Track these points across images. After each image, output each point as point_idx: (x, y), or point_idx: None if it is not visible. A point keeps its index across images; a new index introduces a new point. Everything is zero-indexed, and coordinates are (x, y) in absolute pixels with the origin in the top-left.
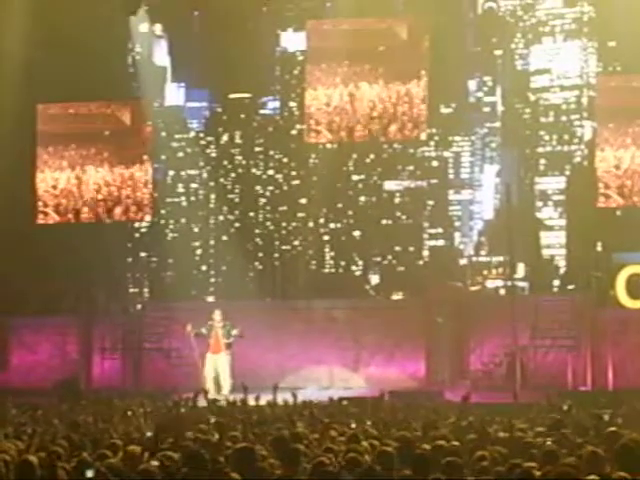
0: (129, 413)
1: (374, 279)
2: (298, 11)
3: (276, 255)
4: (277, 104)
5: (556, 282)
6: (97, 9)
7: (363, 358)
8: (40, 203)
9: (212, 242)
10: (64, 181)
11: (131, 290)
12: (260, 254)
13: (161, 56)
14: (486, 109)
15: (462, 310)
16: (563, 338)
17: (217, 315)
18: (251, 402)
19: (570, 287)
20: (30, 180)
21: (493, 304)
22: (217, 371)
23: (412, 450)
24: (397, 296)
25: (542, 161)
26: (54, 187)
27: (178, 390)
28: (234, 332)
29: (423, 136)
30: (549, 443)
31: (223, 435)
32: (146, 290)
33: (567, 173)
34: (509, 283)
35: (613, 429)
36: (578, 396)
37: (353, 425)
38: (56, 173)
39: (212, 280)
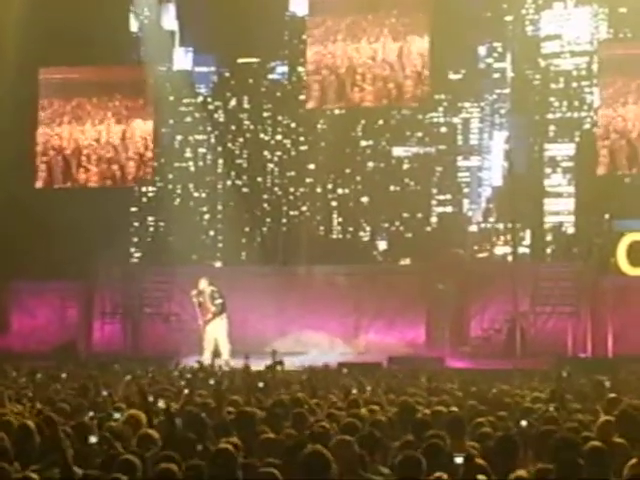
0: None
1: (382, 245)
2: None
3: (284, 221)
4: (285, 69)
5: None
6: None
7: (363, 324)
8: (40, 165)
9: (219, 207)
10: (66, 144)
11: (133, 255)
12: (268, 219)
13: (169, 20)
14: (496, 75)
15: (463, 277)
16: (563, 305)
17: (202, 283)
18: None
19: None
20: (31, 142)
21: (494, 271)
22: (216, 337)
23: (412, 415)
24: (404, 262)
25: (551, 128)
26: (53, 147)
27: (179, 355)
28: (217, 302)
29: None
30: (551, 409)
31: (223, 400)
32: (147, 254)
33: (577, 140)
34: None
35: (613, 395)
36: (578, 363)
37: (354, 391)
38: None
39: (219, 246)
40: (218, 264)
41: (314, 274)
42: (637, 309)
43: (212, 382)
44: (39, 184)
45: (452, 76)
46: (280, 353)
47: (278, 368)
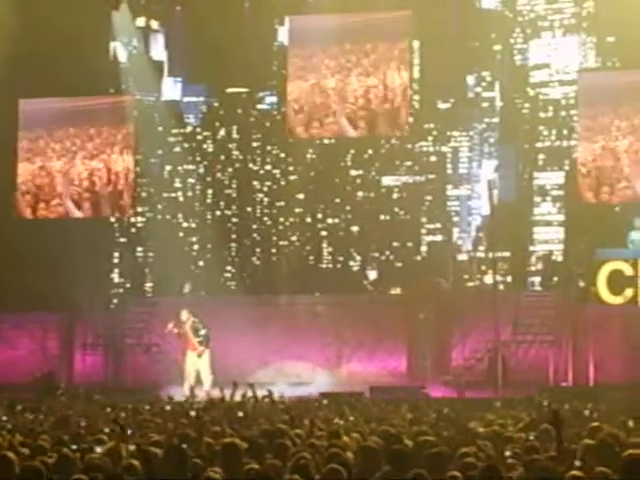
0: (108, 410)
1: (372, 274)
2: (281, 6)
3: (273, 251)
4: (274, 99)
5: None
6: (80, 4)
7: (345, 354)
8: (21, 196)
9: (208, 238)
10: (45, 174)
11: (116, 286)
12: (257, 249)
13: (157, 50)
14: (485, 104)
15: (444, 306)
16: (544, 334)
17: (184, 315)
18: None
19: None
20: (11, 174)
21: (475, 300)
22: (197, 368)
23: (394, 445)
24: (395, 291)
25: (541, 156)
26: (35, 181)
27: (160, 386)
28: (202, 332)
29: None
30: (531, 438)
31: (203, 431)
32: (128, 286)
33: (566, 168)
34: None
35: (594, 424)
36: (559, 391)
37: (335, 420)
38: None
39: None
40: (202, 294)
41: (296, 304)
42: (618, 338)
43: (192, 413)
44: (18, 215)
45: (441, 105)
46: (262, 383)
47: (266, 400)
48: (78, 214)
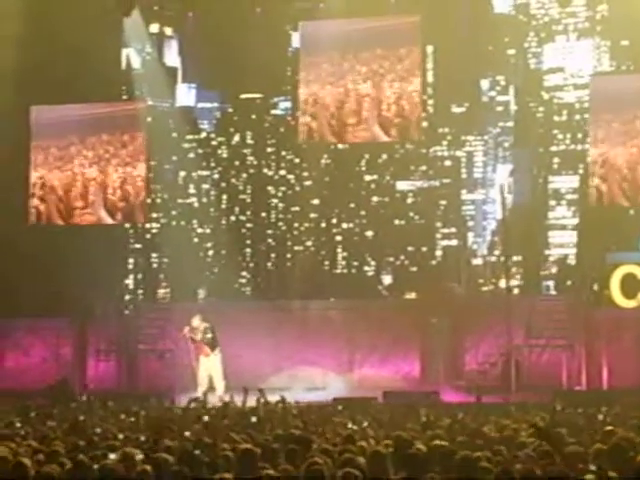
0: (122, 416)
1: (387, 279)
2: (293, 11)
3: (288, 256)
4: (288, 104)
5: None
6: (90, 11)
7: (357, 359)
8: (34, 203)
9: (222, 243)
10: (59, 181)
11: (130, 292)
12: (272, 255)
13: (171, 57)
14: (499, 108)
15: (457, 310)
16: (558, 338)
17: (196, 321)
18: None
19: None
20: (24, 180)
21: (488, 304)
22: (210, 373)
23: (407, 450)
24: (410, 296)
25: (555, 160)
26: (50, 187)
27: (173, 392)
28: (208, 336)
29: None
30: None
31: (217, 437)
32: (142, 292)
33: (580, 172)
34: (517, 282)
35: (609, 428)
36: (573, 396)
37: (349, 425)
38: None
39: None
40: (215, 299)
41: (309, 309)
42: (631, 342)
43: (206, 418)
44: (32, 221)
45: (455, 109)
46: (275, 388)
47: (279, 405)
48: (110, 221)
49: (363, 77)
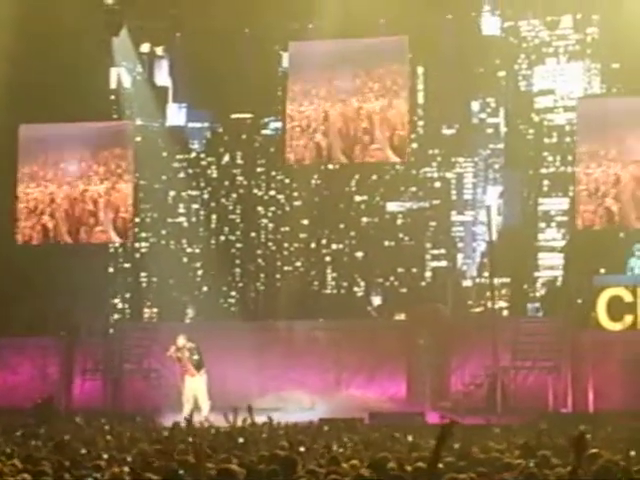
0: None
1: (376, 300)
2: (282, 32)
3: (278, 276)
4: (279, 125)
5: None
6: (80, 30)
7: (344, 379)
8: (21, 222)
9: (212, 263)
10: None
11: (117, 311)
12: (262, 275)
13: (162, 76)
14: (489, 130)
15: (443, 331)
16: (544, 360)
17: (181, 341)
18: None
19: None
20: (11, 200)
21: (474, 325)
22: (195, 393)
23: (392, 472)
24: (399, 317)
25: (546, 182)
26: (35, 207)
27: (159, 411)
28: (195, 357)
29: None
30: (531, 465)
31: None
32: (130, 311)
33: (571, 194)
34: (505, 304)
35: (594, 451)
36: (559, 418)
37: (334, 447)
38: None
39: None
40: (201, 319)
41: (295, 330)
42: (617, 364)
43: (191, 439)
44: (20, 240)
45: (445, 131)
46: (261, 409)
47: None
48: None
49: (352, 96)
